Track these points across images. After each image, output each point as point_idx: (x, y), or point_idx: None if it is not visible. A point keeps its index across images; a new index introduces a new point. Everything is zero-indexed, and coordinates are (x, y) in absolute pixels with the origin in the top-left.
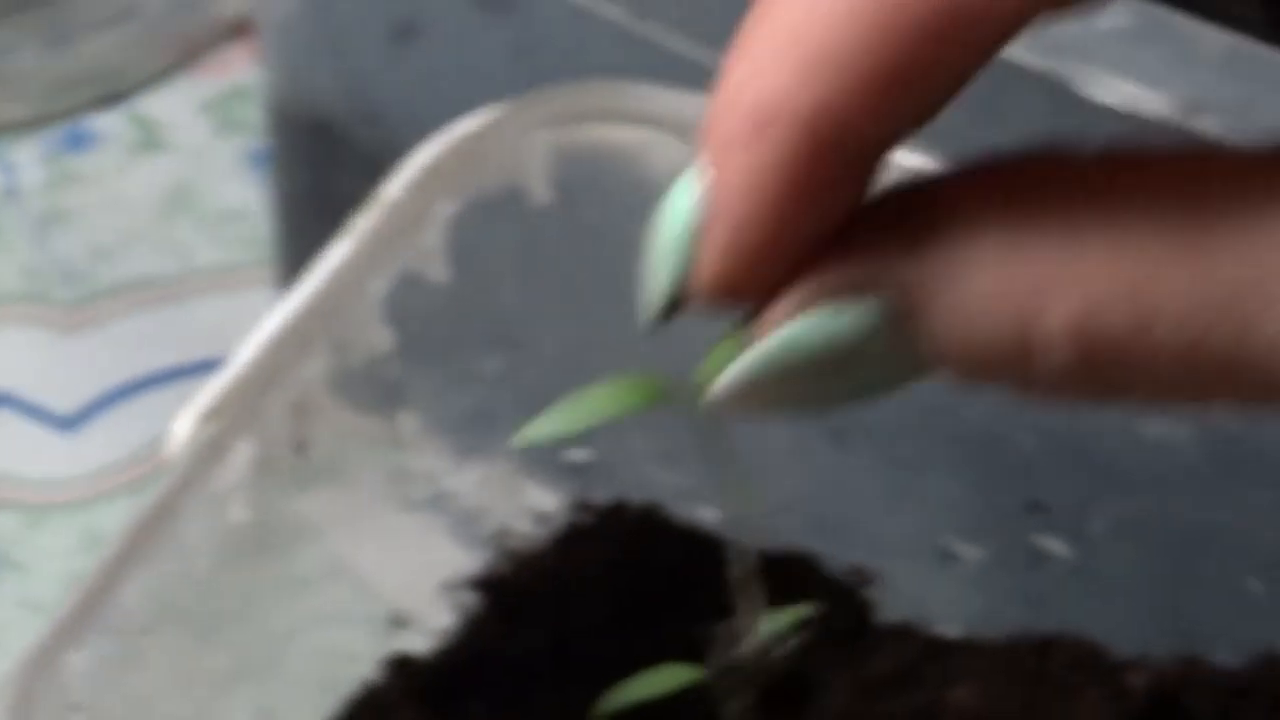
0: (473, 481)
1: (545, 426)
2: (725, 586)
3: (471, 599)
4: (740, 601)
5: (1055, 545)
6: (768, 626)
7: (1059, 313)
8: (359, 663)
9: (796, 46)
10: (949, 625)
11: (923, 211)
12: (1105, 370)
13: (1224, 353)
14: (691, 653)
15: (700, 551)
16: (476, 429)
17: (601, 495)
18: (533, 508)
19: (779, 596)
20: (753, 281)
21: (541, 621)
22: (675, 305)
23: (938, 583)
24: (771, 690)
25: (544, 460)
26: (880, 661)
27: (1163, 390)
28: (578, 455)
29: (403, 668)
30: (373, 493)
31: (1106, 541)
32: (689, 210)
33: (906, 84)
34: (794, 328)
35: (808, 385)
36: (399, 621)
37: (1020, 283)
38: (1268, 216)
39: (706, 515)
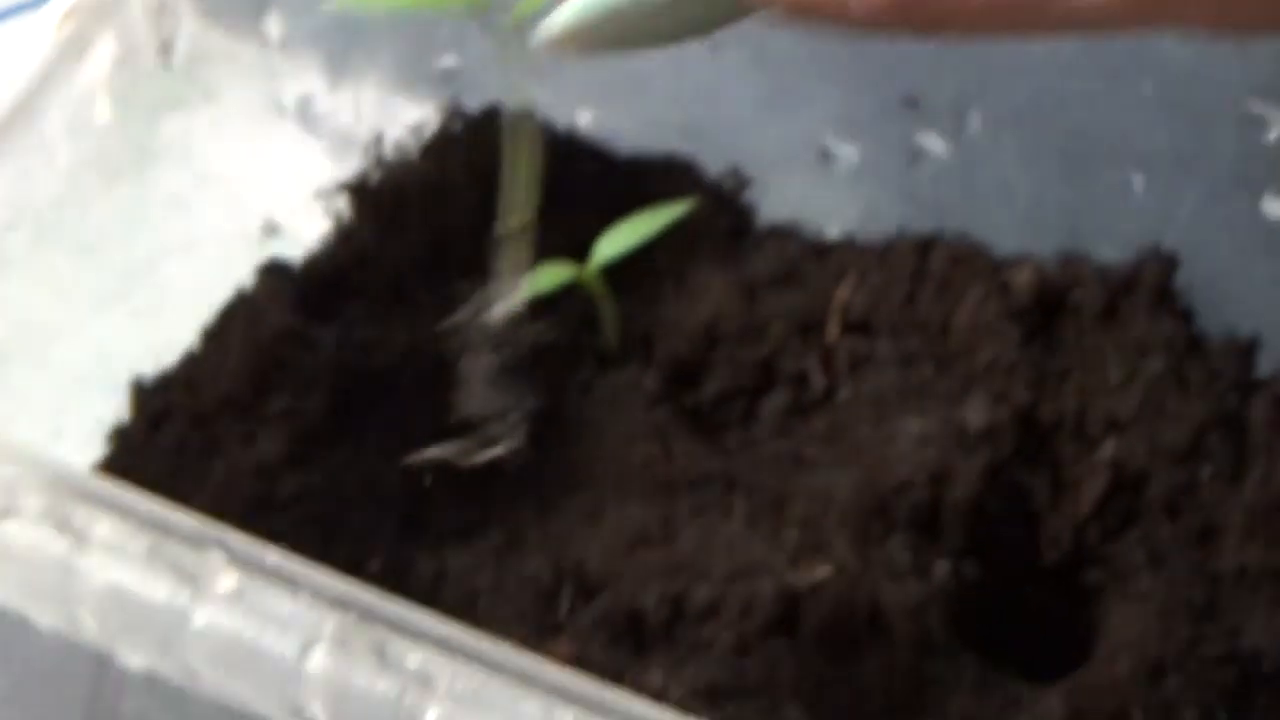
0: (343, 93)
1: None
2: (604, 190)
3: (344, 206)
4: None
5: (933, 142)
6: (647, 226)
7: None
8: (234, 273)
9: None
10: (829, 226)
11: None
12: (919, 6)
13: None
14: (573, 254)
15: (578, 156)
16: (344, 39)
17: (474, 103)
18: (405, 117)
19: (657, 201)
20: None
21: (416, 226)
22: None
23: (817, 184)
24: (650, 290)
25: (415, 71)
26: (761, 263)
27: (976, 24)
28: (448, 62)
29: (276, 274)
30: (242, 105)
31: (986, 138)
32: None
33: None
34: None
35: (634, 23)
36: (272, 230)
37: None
38: None
39: (582, 121)
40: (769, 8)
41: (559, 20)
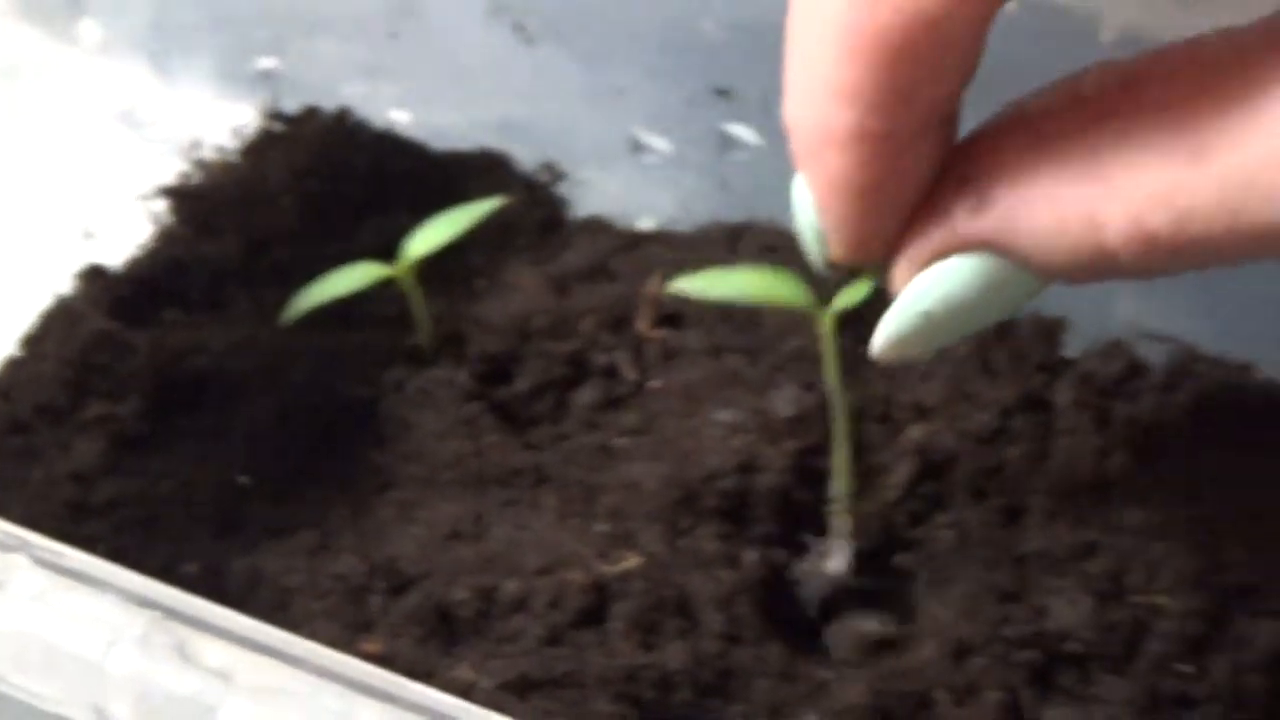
0: (163, 95)
1: (693, 284)
2: (419, 187)
3: (164, 210)
4: None
5: (743, 131)
6: (459, 222)
7: (1112, 229)
8: (56, 279)
9: (820, 77)
10: (642, 218)
11: (981, 168)
12: (1171, 258)
13: (1263, 224)
14: (388, 253)
15: (394, 154)
16: (162, 42)
17: (292, 105)
18: (224, 120)
19: (471, 197)
20: (870, 251)
21: (234, 228)
22: (834, 265)
23: (630, 177)
24: (463, 286)
25: (233, 72)
26: (572, 257)
27: (1226, 257)
28: (267, 63)
29: (94, 279)
30: (61, 109)
31: None
32: (806, 203)
33: (917, 77)
34: (914, 289)
35: (945, 324)
36: (93, 235)
37: (1073, 214)
38: (1267, 98)
39: (399, 119)
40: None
41: (882, 335)
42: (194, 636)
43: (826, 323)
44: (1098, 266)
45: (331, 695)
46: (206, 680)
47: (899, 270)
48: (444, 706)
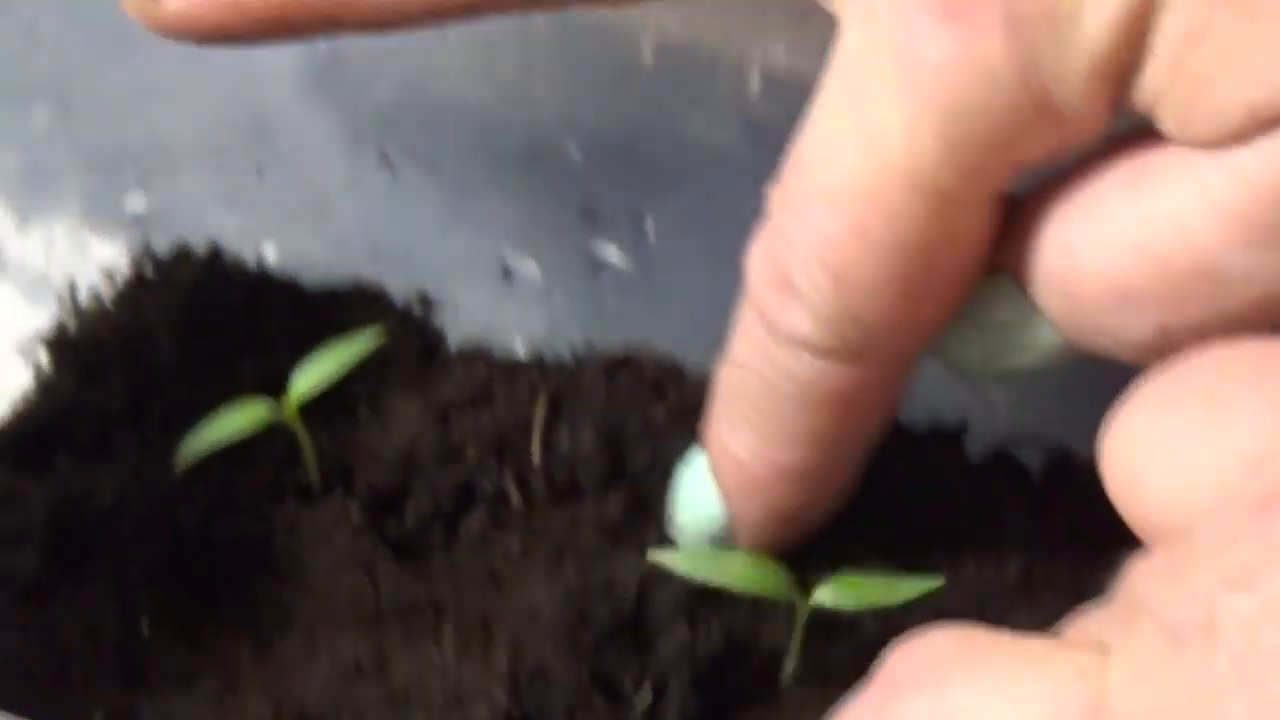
0: (34, 242)
1: (678, 562)
2: (295, 322)
3: (44, 358)
4: None
5: (612, 252)
6: (342, 358)
7: None
8: None
9: (778, 425)
10: (515, 340)
11: None
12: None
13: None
14: (269, 389)
15: (267, 289)
16: (32, 187)
17: (163, 243)
18: (99, 262)
19: (346, 328)
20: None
21: (116, 374)
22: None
23: (501, 303)
24: (346, 419)
25: (104, 213)
26: (451, 386)
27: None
28: (136, 204)
29: None
30: None
31: (663, 245)
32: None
33: (852, 421)
34: None
35: None
36: None
37: None
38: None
39: (269, 252)
40: None
41: None
42: None
43: (801, 613)
44: None
45: None
46: None
47: None
48: None
